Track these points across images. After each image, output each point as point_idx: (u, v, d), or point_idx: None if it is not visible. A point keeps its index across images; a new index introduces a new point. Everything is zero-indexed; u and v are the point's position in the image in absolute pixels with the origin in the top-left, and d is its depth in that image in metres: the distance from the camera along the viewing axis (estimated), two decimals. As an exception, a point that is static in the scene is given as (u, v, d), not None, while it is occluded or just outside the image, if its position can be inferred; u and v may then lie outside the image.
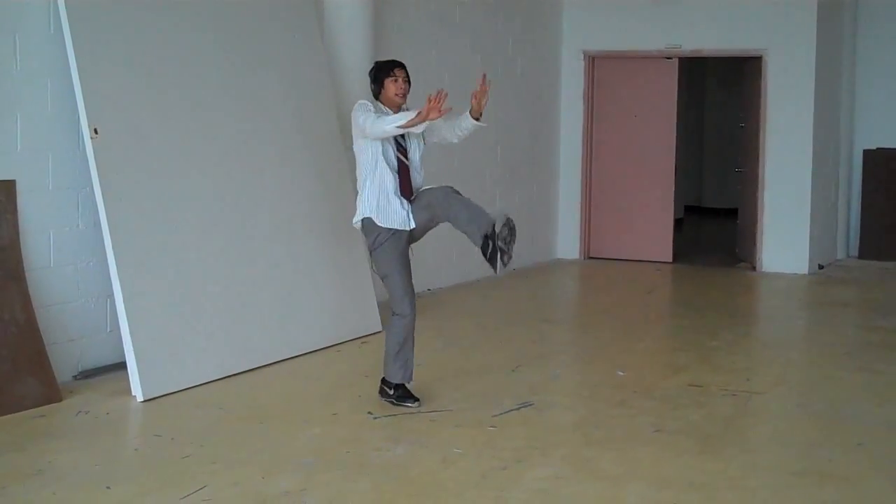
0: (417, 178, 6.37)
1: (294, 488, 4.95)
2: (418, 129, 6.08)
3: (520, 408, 6.39)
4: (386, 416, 6.15)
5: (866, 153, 13.39)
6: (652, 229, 12.98)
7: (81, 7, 6.61)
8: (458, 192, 6.23)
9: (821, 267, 12.48)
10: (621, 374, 7.30)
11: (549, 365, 7.68)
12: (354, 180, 8.48)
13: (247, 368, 7.11)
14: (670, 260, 12.92)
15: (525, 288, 11.07)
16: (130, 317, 6.48)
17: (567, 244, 13.24)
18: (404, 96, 6.34)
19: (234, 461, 5.33)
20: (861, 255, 13.39)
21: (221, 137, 7.42)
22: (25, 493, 4.88)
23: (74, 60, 6.51)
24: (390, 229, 6.22)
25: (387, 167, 6.22)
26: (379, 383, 6.50)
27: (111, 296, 6.68)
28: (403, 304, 6.27)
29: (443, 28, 10.71)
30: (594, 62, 13.11)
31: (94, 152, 6.50)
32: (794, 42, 11.97)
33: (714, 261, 13.16)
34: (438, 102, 5.91)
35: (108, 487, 4.95)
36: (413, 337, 6.39)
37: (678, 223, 14.25)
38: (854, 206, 13.57)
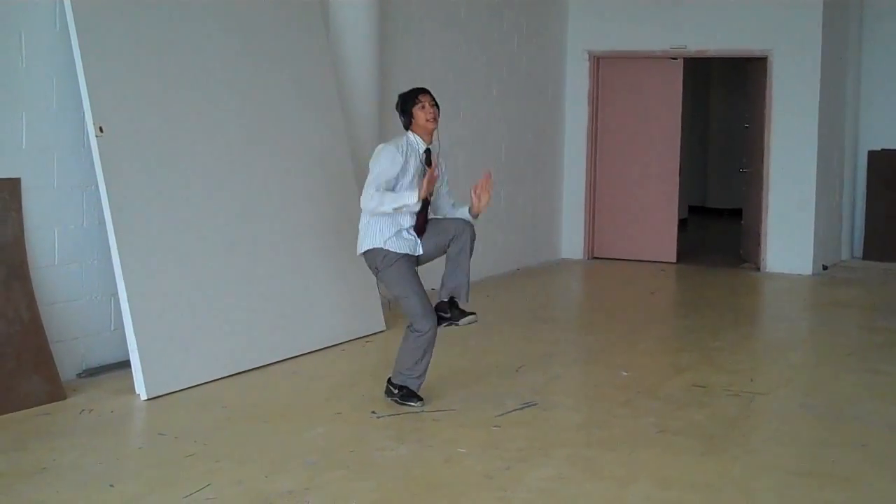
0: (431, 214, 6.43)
1: (297, 487, 4.95)
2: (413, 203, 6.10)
3: (523, 408, 6.39)
4: (389, 416, 6.15)
5: (871, 154, 13.38)
6: (656, 229, 12.98)
7: (87, 5, 6.61)
8: (472, 234, 6.28)
9: (825, 268, 12.48)
10: (625, 374, 7.30)
11: (553, 365, 7.68)
12: (358, 180, 8.56)
13: (250, 367, 7.12)
14: (674, 260, 12.92)
15: (529, 288, 11.06)
16: (134, 315, 6.48)
17: (571, 244, 13.24)
18: (435, 120, 6.24)
19: (237, 460, 5.33)
20: (865, 256, 13.39)
21: (226, 136, 7.42)
22: (29, 491, 4.88)
23: (80, 59, 6.51)
24: (399, 252, 6.23)
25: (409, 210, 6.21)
26: (385, 383, 6.49)
27: (115, 294, 6.69)
28: (424, 321, 6.21)
29: (448, 28, 10.71)
30: (599, 62, 13.11)
31: (99, 150, 6.51)
32: (800, 43, 11.96)
33: (718, 261, 13.16)
34: (429, 183, 6.07)
35: (111, 486, 4.96)
36: (432, 351, 6.35)
37: (682, 223, 14.26)
38: (858, 207, 13.57)
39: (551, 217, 13.03)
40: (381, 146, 6.30)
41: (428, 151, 6.29)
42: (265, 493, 4.88)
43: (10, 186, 6.38)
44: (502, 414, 6.23)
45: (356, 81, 8.88)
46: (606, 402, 6.61)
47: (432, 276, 6.66)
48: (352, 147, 8.65)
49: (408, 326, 6.31)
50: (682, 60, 12.76)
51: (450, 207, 6.47)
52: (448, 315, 6.35)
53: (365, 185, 6.18)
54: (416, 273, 6.32)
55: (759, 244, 12.41)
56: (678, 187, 13.03)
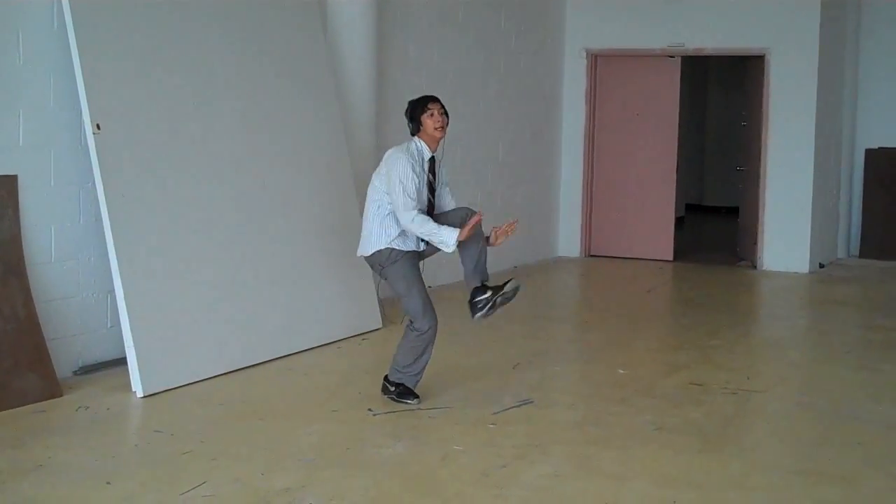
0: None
1: (294, 485, 4.96)
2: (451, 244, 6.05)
3: (520, 405, 6.39)
4: (386, 413, 6.15)
5: (868, 152, 13.40)
6: (653, 228, 12.99)
7: (85, 3, 6.60)
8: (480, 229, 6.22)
9: (822, 266, 12.49)
10: (622, 372, 7.30)
11: (549, 363, 7.68)
12: (355, 177, 8.57)
13: (247, 365, 7.12)
14: (671, 258, 12.93)
15: (526, 285, 11.05)
16: (131, 313, 6.48)
17: (568, 242, 13.25)
18: (443, 129, 6.23)
19: (234, 457, 5.33)
20: (862, 255, 13.41)
21: (223, 134, 7.42)
22: (25, 489, 4.88)
23: (77, 56, 6.51)
24: (404, 250, 6.23)
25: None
26: (382, 381, 6.48)
27: (112, 291, 6.69)
28: (425, 320, 6.21)
29: (446, 26, 10.71)
30: (597, 60, 13.11)
31: (96, 148, 6.50)
32: (797, 41, 11.97)
33: (715, 259, 13.17)
34: (471, 226, 6.02)
35: (108, 483, 4.95)
36: (431, 350, 6.35)
37: (679, 221, 14.25)
38: (855, 206, 13.58)
39: (548, 215, 13.03)
40: (393, 152, 6.25)
41: (432, 160, 6.29)
42: (262, 491, 4.88)
43: (7, 184, 6.37)
44: (499, 412, 6.23)
45: (354, 80, 8.88)
46: (603, 400, 6.62)
47: (432, 273, 6.65)
48: (349, 145, 8.64)
49: (407, 325, 6.30)
50: (680, 58, 12.77)
51: (452, 204, 6.46)
52: (488, 295, 6.20)
53: (394, 194, 6.10)
54: (419, 272, 6.31)
55: (755, 242, 12.42)
56: (675, 185, 13.04)
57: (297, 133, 8.08)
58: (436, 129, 6.21)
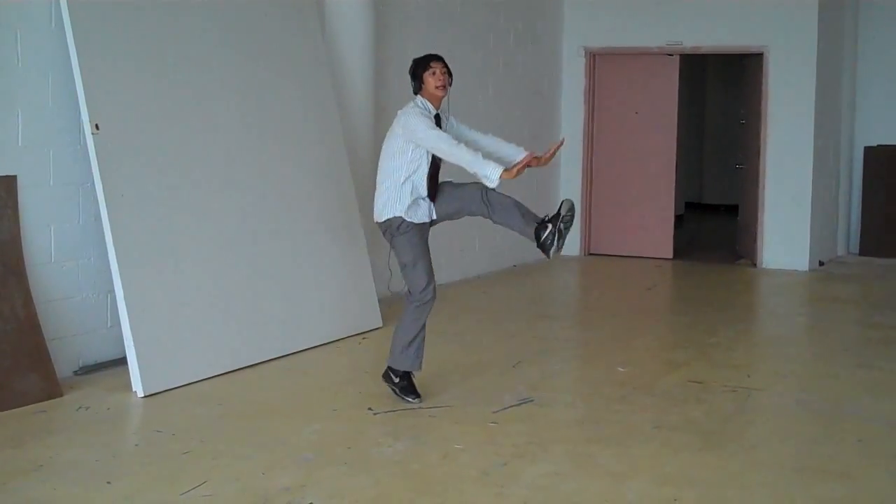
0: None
1: (294, 484, 4.96)
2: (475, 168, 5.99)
3: (520, 404, 6.39)
4: (386, 412, 6.15)
5: (867, 150, 13.39)
6: (652, 226, 12.99)
7: (82, 2, 6.60)
8: (494, 190, 6.17)
9: (821, 263, 12.49)
10: (621, 370, 7.30)
11: (550, 361, 7.68)
12: (354, 176, 8.58)
13: (247, 364, 7.12)
14: (670, 256, 12.94)
15: (525, 284, 11.07)
16: (131, 312, 6.48)
17: (567, 240, 13.19)
18: (444, 88, 6.25)
19: (234, 457, 5.33)
20: (861, 252, 13.40)
21: (223, 133, 7.42)
22: (26, 489, 4.88)
23: (76, 56, 6.51)
24: (415, 222, 6.22)
25: (426, 169, 6.18)
26: (385, 370, 6.47)
27: (112, 291, 6.69)
28: (427, 291, 6.24)
29: (444, 24, 10.71)
30: (595, 59, 13.11)
31: (95, 148, 6.50)
32: (796, 39, 11.96)
33: (714, 257, 13.17)
34: (521, 168, 6.02)
35: (108, 483, 4.95)
36: (423, 335, 6.37)
37: (678, 220, 14.24)
38: (854, 203, 13.58)
39: (547, 213, 13.00)
40: (402, 111, 6.24)
41: (437, 117, 6.28)
42: (262, 490, 4.88)
43: (7, 184, 6.37)
44: (499, 410, 6.23)
45: (352, 79, 8.88)
46: (603, 399, 6.62)
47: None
48: (347, 144, 8.64)
49: (406, 297, 6.31)
50: (679, 56, 12.77)
51: (480, 136, 6.43)
52: (550, 228, 6.21)
53: (425, 138, 6.04)
54: (427, 242, 6.31)
55: (755, 240, 12.42)
56: (674, 183, 13.04)
57: (295, 132, 8.08)
58: (437, 87, 6.24)
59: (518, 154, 6.33)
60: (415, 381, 6.44)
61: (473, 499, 4.85)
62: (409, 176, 6.16)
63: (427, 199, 6.24)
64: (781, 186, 12.17)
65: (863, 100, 13.51)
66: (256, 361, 7.19)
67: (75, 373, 6.76)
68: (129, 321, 6.46)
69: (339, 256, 8.22)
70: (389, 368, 6.44)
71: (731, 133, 16.55)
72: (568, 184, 13.19)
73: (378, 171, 6.33)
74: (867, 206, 13.38)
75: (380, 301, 8.64)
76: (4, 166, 6.39)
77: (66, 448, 5.45)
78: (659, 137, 12.91)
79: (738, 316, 9.77)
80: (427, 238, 6.33)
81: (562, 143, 6.45)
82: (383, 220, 6.26)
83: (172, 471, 5.13)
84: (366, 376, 7.09)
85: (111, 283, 6.60)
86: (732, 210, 14.50)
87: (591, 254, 13.21)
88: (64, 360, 6.65)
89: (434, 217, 6.30)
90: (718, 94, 19.19)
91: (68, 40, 6.52)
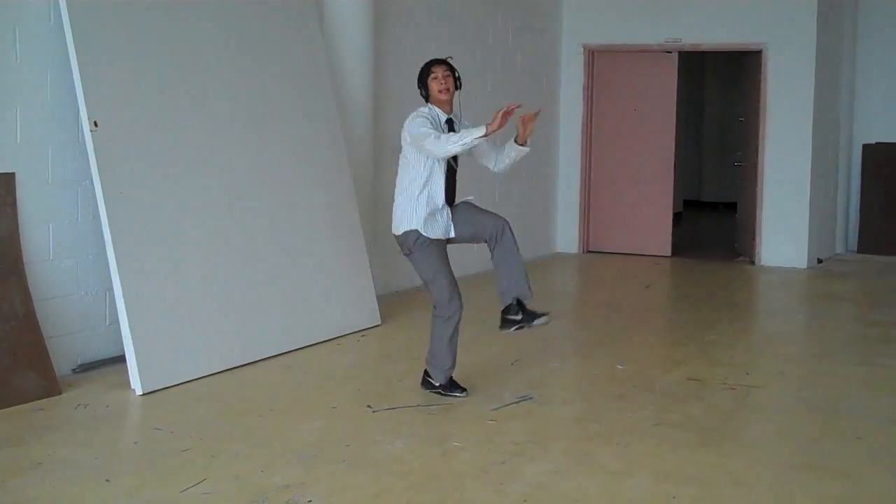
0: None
1: (294, 482, 4.95)
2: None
3: (519, 401, 6.39)
4: (385, 410, 6.15)
5: (865, 148, 13.40)
6: (651, 223, 12.99)
7: (81, 0, 6.60)
8: (511, 232, 6.26)
9: (820, 261, 12.49)
10: (620, 367, 7.30)
11: (548, 359, 7.68)
12: (353, 174, 8.58)
13: (246, 362, 7.11)
14: (669, 254, 12.94)
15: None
16: (130, 310, 6.48)
17: (566, 238, 13.25)
18: (448, 91, 6.22)
19: (233, 454, 5.33)
20: (860, 250, 13.41)
21: (221, 131, 7.41)
22: (25, 487, 4.88)
23: (74, 53, 6.50)
24: (432, 237, 6.22)
25: (441, 177, 6.18)
26: (423, 377, 6.53)
27: (110, 289, 6.68)
28: (451, 306, 6.25)
29: (442, 22, 10.70)
30: (594, 56, 13.11)
31: (93, 145, 6.49)
32: (794, 36, 11.96)
33: (713, 255, 13.17)
34: (505, 118, 5.92)
35: (107, 480, 4.95)
36: (457, 339, 6.39)
37: (677, 217, 14.26)
38: (853, 201, 13.59)
39: (546, 211, 13.03)
40: (408, 119, 6.22)
41: (450, 122, 6.27)
42: (261, 488, 4.87)
43: (5, 181, 6.36)
44: (498, 408, 6.23)
45: (351, 78, 8.88)
46: (602, 396, 6.62)
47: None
48: (347, 142, 8.64)
49: (433, 312, 6.33)
50: (677, 54, 12.77)
51: (494, 150, 6.45)
52: (519, 318, 6.30)
53: (422, 141, 6.03)
54: (446, 256, 6.31)
55: (753, 238, 12.42)
56: (673, 181, 13.04)
57: (294, 129, 8.07)
58: (440, 91, 6.21)
59: (511, 146, 6.38)
60: (455, 378, 6.49)
61: (472, 496, 4.85)
62: (424, 186, 6.16)
63: (446, 214, 6.22)
64: (780, 184, 12.17)
65: (861, 97, 13.51)
66: (255, 359, 7.19)
67: (74, 370, 6.76)
68: (128, 319, 6.46)
69: (338, 254, 8.22)
70: (427, 374, 6.47)
71: (730, 131, 16.56)
72: (566, 181, 13.19)
73: (397, 181, 6.32)
74: (865, 204, 13.39)
75: (378, 298, 8.63)
76: (3, 163, 6.38)
77: (65, 446, 5.44)
78: (658, 135, 12.91)
79: (736, 313, 9.77)
80: (445, 253, 6.31)
81: (537, 113, 6.45)
82: (400, 232, 6.26)
83: (171, 468, 5.12)
84: (365, 374, 7.10)
85: (110, 281, 6.60)
86: (731, 207, 14.51)
87: (589, 251, 13.21)
88: (62, 358, 6.65)
89: (452, 236, 6.28)
90: (717, 92, 19.20)
91: (67, 37, 6.51)
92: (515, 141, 6.35)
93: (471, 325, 8.54)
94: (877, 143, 13.33)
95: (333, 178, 8.35)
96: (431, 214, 6.17)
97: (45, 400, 6.21)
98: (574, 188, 13.18)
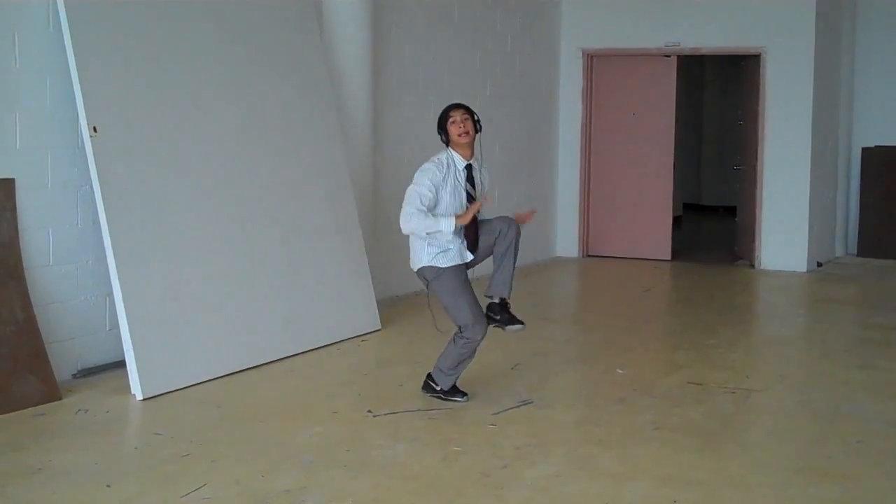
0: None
1: (294, 486, 4.95)
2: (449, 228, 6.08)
3: (519, 406, 6.39)
4: (386, 415, 6.15)
5: (865, 151, 13.39)
6: (650, 227, 12.98)
7: (80, 5, 6.60)
8: (518, 229, 6.25)
9: (819, 264, 12.49)
10: (621, 372, 7.30)
11: (549, 363, 7.68)
12: (353, 177, 8.58)
13: (246, 367, 7.11)
14: (669, 258, 12.93)
15: (524, 286, 11.03)
16: (130, 315, 6.48)
17: (566, 242, 13.25)
18: (468, 135, 6.20)
19: (234, 459, 5.32)
20: (860, 253, 13.40)
21: (221, 135, 7.42)
22: (25, 492, 4.88)
23: (73, 58, 6.51)
24: (447, 267, 6.23)
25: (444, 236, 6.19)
26: (425, 381, 6.53)
27: (110, 294, 6.68)
28: (476, 330, 6.24)
29: (441, 26, 10.71)
30: (593, 60, 13.11)
31: (93, 150, 6.50)
32: (793, 40, 11.96)
33: (713, 258, 13.17)
34: (470, 214, 6.08)
35: (107, 486, 4.95)
36: (474, 354, 6.40)
37: (677, 221, 14.25)
38: (852, 204, 13.58)
39: (546, 215, 13.02)
40: (424, 165, 6.22)
41: (469, 168, 6.28)
42: (262, 493, 4.87)
43: (5, 187, 6.37)
44: (499, 412, 6.23)
45: (350, 81, 8.88)
46: (603, 400, 6.62)
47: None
48: (346, 146, 8.64)
49: (456, 332, 6.32)
50: (676, 58, 12.76)
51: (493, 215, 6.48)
52: (497, 317, 6.33)
53: (406, 197, 6.12)
54: (467, 280, 6.32)
55: (753, 241, 12.42)
56: (672, 185, 13.03)
57: (294, 134, 8.08)
58: (459, 135, 6.20)
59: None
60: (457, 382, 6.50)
61: (473, 501, 4.84)
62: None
63: (459, 241, 6.23)
64: (779, 187, 12.17)
65: (860, 101, 13.51)
66: (255, 364, 7.19)
67: (74, 376, 6.76)
68: (128, 324, 6.46)
69: (338, 259, 8.22)
70: (429, 377, 6.48)
71: (729, 134, 16.53)
72: (566, 185, 13.19)
73: None
74: (865, 207, 13.38)
75: (378, 303, 8.63)
76: (2, 169, 6.39)
77: (65, 451, 5.44)
78: (657, 139, 12.91)
79: (736, 317, 9.77)
80: (466, 277, 6.31)
81: (532, 213, 6.56)
82: (416, 269, 6.31)
83: (172, 474, 5.12)
84: (365, 378, 7.10)
85: (110, 286, 6.60)
86: (731, 211, 14.50)
87: (589, 255, 13.21)
88: (63, 363, 6.65)
89: (469, 259, 6.29)
90: (716, 96, 19.19)
91: (66, 43, 6.52)
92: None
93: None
94: (876, 147, 13.32)
95: (333, 184, 8.35)
96: (443, 250, 6.19)
97: (45, 405, 6.21)
98: (574, 192, 13.17)
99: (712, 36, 12.42)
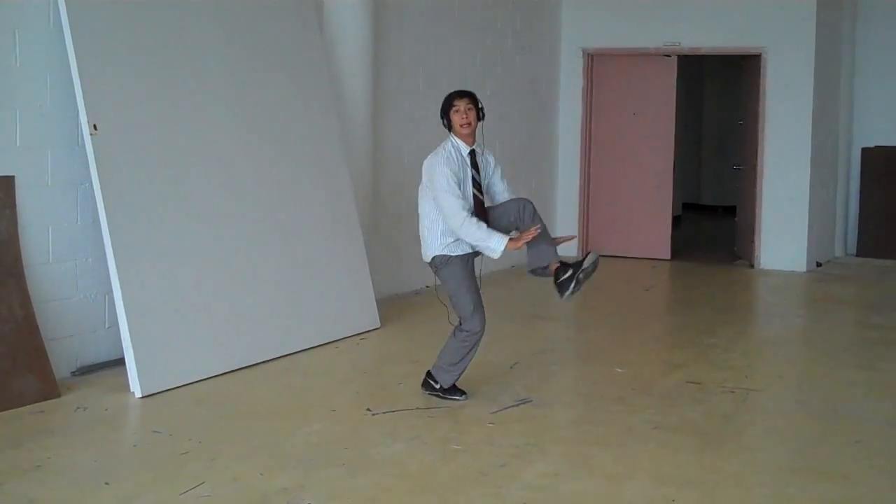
0: (487, 202, 6.37)
1: (293, 485, 4.95)
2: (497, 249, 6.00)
3: (518, 405, 6.39)
4: (384, 413, 6.15)
5: (864, 151, 13.39)
6: (650, 226, 12.99)
7: (81, 3, 6.60)
8: (533, 207, 6.21)
9: (819, 264, 12.49)
10: (619, 371, 7.30)
11: (547, 362, 7.68)
12: (353, 175, 8.59)
13: (245, 365, 7.11)
14: (668, 257, 12.94)
15: (522, 285, 11.06)
16: (129, 313, 6.48)
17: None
18: (470, 125, 6.21)
19: (232, 457, 5.33)
20: (859, 253, 13.40)
21: (221, 133, 7.41)
22: (24, 489, 4.88)
23: (74, 56, 6.51)
24: (458, 255, 6.23)
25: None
26: (424, 379, 6.53)
27: (110, 292, 6.68)
28: (474, 322, 6.24)
29: (442, 25, 10.71)
30: (593, 59, 13.11)
31: (93, 148, 6.50)
32: (794, 40, 11.97)
33: (712, 258, 13.18)
34: (524, 241, 6.03)
35: (106, 483, 4.95)
36: (475, 352, 6.40)
37: (676, 220, 14.26)
38: (852, 204, 13.59)
39: (545, 214, 12.87)
40: (429, 160, 6.21)
41: (472, 153, 6.28)
42: (260, 491, 4.87)
43: (5, 184, 6.37)
44: (497, 411, 6.23)
45: (350, 79, 8.88)
46: (601, 399, 6.62)
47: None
48: (346, 144, 8.64)
49: (456, 325, 6.33)
50: (676, 57, 12.77)
51: (505, 194, 6.44)
52: (570, 273, 6.14)
53: (440, 199, 6.07)
54: (473, 274, 6.31)
55: (753, 241, 12.42)
56: (672, 184, 13.04)
57: (294, 132, 8.08)
58: (461, 125, 6.20)
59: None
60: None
61: (472, 499, 4.84)
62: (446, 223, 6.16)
63: None
64: (779, 187, 12.18)
65: (860, 101, 13.51)
66: (254, 362, 7.19)
67: (73, 373, 6.76)
68: (127, 322, 6.46)
69: (338, 257, 8.22)
70: (428, 374, 6.48)
71: (729, 134, 16.55)
72: (566, 185, 13.19)
73: (419, 217, 6.32)
74: (864, 207, 13.39)
75: (377, 302, 8.64)
76: (3, 166, 6.39)
77: (64, 448, 5.44)
78: (657, 138, 12.91)
79: (735, 317, 9.77)
80: (473, 271, 6.31)
81: (572, 238, 6.60)
82: (429, 259, 6.30)
83: (170, 471, 5.12)
84: (364, 377, 7.10)
85: (109, 284, 6.60)
86: (730, 211, 14.50)
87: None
88: (62, 361, 6.65)
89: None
90: (716, 96, 19.20)
91: (67, 41, 6.52)
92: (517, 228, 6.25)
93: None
94: (876, 147, 13.33)
95: (333, 182, 8.35)
96: (456, 239, 6.18)
97: (44, 403, 6.21)
98: (573, 191, 13.18)
99: (712, 36, 12.42)
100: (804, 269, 12.12)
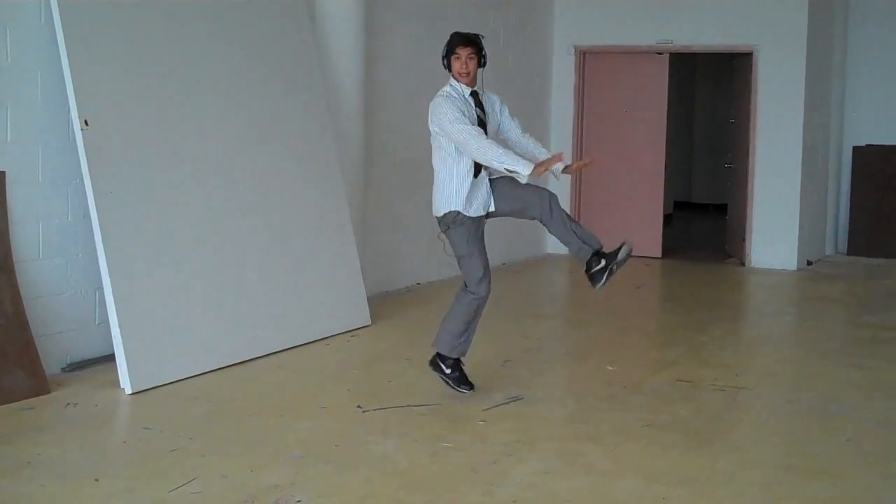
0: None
1: (283, 481, 4.95)
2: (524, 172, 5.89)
3: (509, 402, 6.39)
4: (375, 410, 6.15)
5: (856, 150, 13.42)
6: (641, 224, 12.98)
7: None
8: (557, 204, 6.18)
9: (809, 263, 12.51)
10: (610, 368, 7.30)
11: (539, 359, 7.68)
12: (345, 173, 8.58)
13: (236, 361, 7.10)
14: (659, 255, 12.94)
15: (514, 283, 11.07)
16: (119, 309, 6.46)
17: (556, 239, 13.20)
18: (467, 74, 6.14)
19: (222, 454, 5.32)
20: (850, 252, 13.43)
21: (212, 130, 7.40)
22: (13, 486, 4.87)
23: (65, 52, 6.49)
24: (472, 216, 6.16)
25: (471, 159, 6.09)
26: (433, 358, 6.49)
27: (100, 288, 6.67)
28: (481, 286, 6.23)
29: (434, 22, 10.69)
30: (585, 57, 13.11)
31: (84, 144, 6.48)
32: (785, 38, 11.99)
33: (703, 256, 13.19)
34: (549, 165, 6.01)
35: (96, 480, 4.94)
36: (477, 322, 6.38)
37: (667, 218, 14.26)
38: (843, 203, 13.61)
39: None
40: (433, 101, 6.15)
41: (474, 94, 6.21)
42: (251, 487, 4.87)
43: (-5, 180, 6.36)
44: (488, 408, 6.23)
45: (342, 77, 8.87)
46: (592, 397, 6.62)
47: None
48: (338, 142, 8.63)
49: (461, 288, 6.30)
50: (668, 55, 12.78)
51: (519, 135, 6.39)
52: (603, 264, 6.12)
53: (454, 132, 5.95)
54: (483, 238, 6.27)
55: (744, 239, 12.44)
56: (663, 182, 13.04)
57: (285, 130, 8.07)
58: (459, 73, 6.15)
59: (543, 155, 6.25)
60: (465, 371, 6.48)
61: (462, 497, 4.84)
62: (457, 167, 6.08)
63: (485, 186, 6.15)
64: (770, 186, 12.19)
65: (852, 99, 13.53)
66: (245, 359, 7.18)
67: (63, 369, 6.74)
68: (118, 318, 6.45)
69: (329, 254, 8.21)
70: (438, 356, 6.44)
71: (721, 132, 16.56)
72: (557, 182, 13.15)
73: (433, 164, 6.25)
74: (855, 206, 13.41)
75: (369, 299, 8.63)
76: (-7, 162, 6.38)
77: (54, 445, 5.43)
78: (648, 136, 12.92)
79: (726, 315, 9.78)
80: (482, 231, 6.27)
81: (590, 161, 6.57)
82: (441, 214, 6.20)
83: (160, 468, 5.11)
84: (355, 374, 7.10)
85: (99, 280, 6.58)
86: (721, 209, 14.51)
87: (580, 252, 13.19)
88: (52, 357, 6.64)
89: (492, 210, 6.23)
90: (707, 94, 19.21)
91: (58, 36, 6.50)
92: (564, 169, 6.23)
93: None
94: (867, 145, 13.35)
95: (325, 179, 8.34)
96: (474, 192, 6.09)
97: (34, 399, 6.20)
98: (564, 189, 13.14)
99: (704, 33, 12.43)
100: (795, 267, 12.14)
